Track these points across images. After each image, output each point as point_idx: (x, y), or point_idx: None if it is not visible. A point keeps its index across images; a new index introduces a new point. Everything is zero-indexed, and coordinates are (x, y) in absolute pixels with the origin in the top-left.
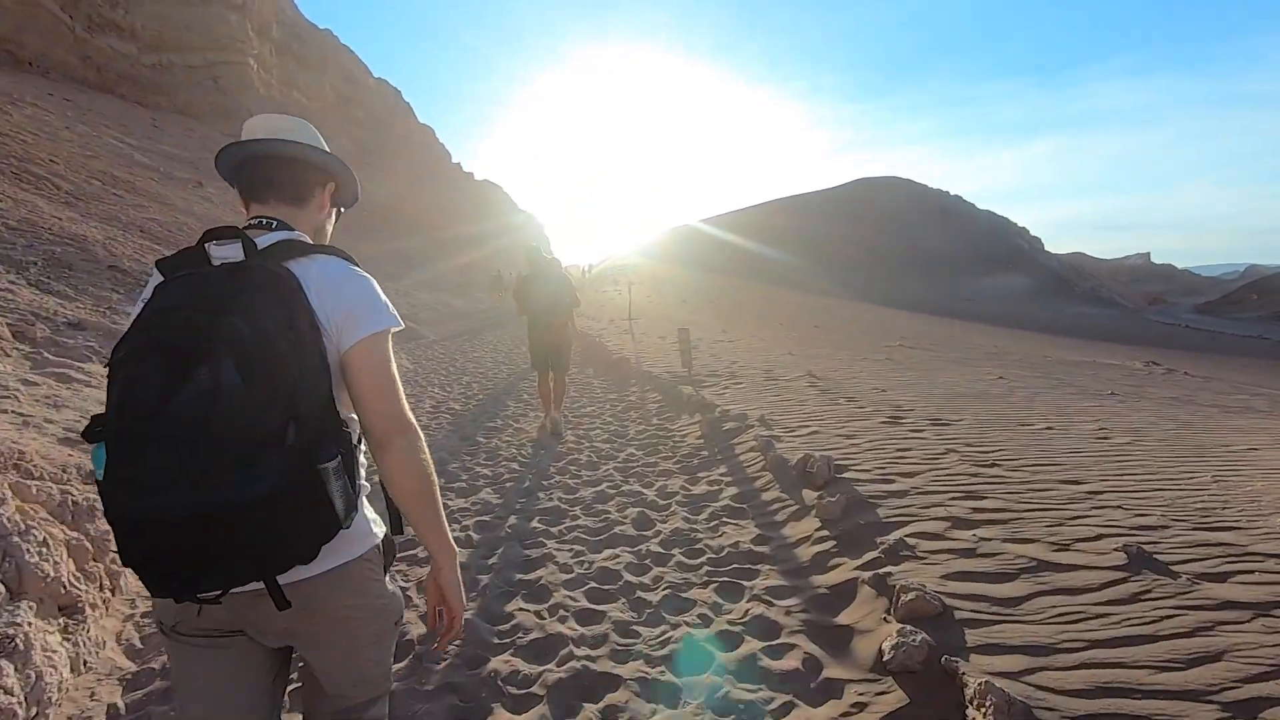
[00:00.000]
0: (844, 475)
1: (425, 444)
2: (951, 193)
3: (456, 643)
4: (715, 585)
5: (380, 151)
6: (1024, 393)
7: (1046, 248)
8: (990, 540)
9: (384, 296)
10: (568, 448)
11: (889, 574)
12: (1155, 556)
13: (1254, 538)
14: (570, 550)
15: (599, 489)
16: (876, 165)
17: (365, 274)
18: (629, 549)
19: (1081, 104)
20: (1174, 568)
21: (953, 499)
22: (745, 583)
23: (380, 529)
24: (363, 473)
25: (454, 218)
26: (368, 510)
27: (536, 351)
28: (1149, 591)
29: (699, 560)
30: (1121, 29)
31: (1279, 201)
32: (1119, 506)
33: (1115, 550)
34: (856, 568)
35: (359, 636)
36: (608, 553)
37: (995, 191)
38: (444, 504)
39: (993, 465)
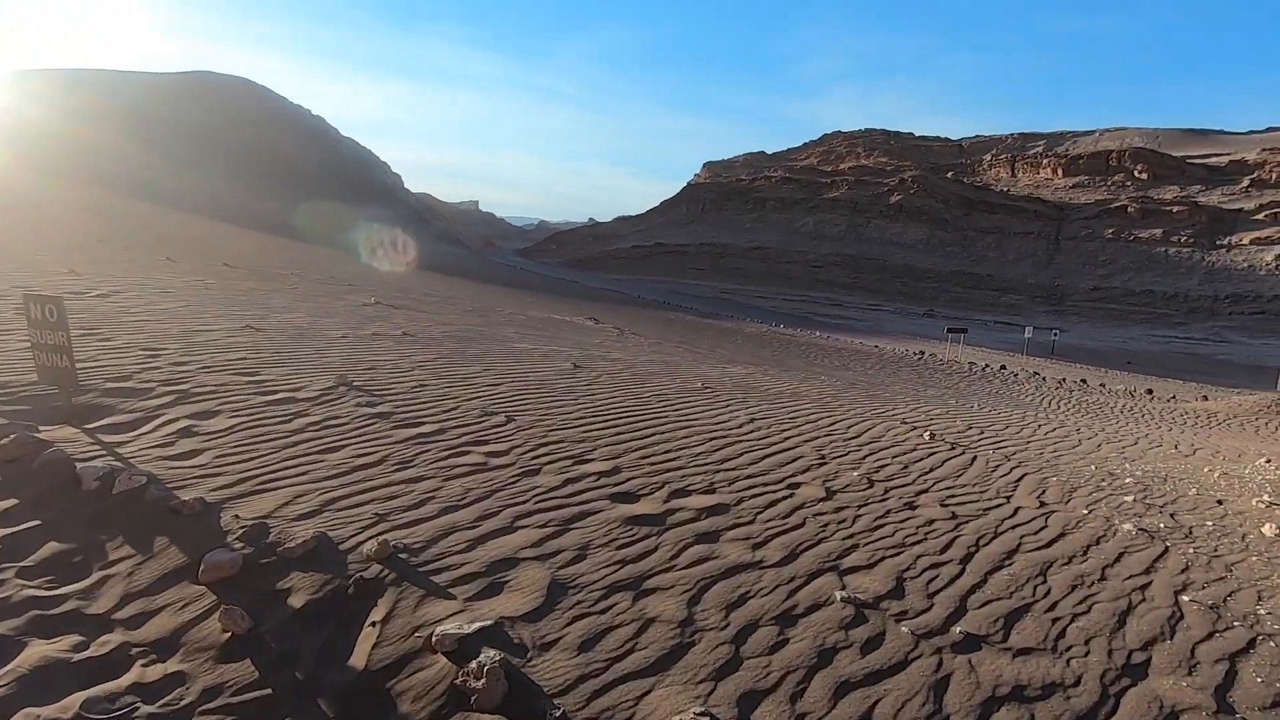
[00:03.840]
0: None
1: None
2: (314, 112)
3: None
4: None
5: None
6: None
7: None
8: None
9: None
10: None
11: None
12: None
13: None
14: None
15: None
16: (215, 62)
17: None
18: None
19: (427, 58)
20: None
21: None
22: None
23: None
24: None
25: None
26: None
27: None
28: None
29: None
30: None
31: (559, 175)
32: None
33: None
34: None
35: None
36: None
37: (349, 122)
38: None
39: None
